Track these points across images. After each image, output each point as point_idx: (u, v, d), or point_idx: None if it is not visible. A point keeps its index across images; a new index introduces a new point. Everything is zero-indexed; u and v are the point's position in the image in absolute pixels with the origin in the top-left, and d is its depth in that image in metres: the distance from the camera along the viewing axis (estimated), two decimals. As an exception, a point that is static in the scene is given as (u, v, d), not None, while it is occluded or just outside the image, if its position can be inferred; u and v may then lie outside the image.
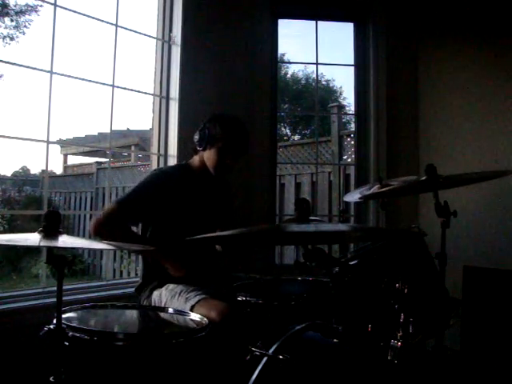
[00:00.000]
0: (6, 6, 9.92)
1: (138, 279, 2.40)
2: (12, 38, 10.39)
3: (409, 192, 2.58)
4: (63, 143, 11.48)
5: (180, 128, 2.92)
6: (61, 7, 2.54)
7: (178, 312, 1.79)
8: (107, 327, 1.66)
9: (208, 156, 2.23)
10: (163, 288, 2.10)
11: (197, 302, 1.94)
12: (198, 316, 1.69)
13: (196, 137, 2.24)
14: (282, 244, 3.33)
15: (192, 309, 1.92)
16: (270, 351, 1.38)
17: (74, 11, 2.62)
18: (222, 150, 2.19)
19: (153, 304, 2.08)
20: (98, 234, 2.09)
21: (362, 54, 3.51)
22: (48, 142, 2.51)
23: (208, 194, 2.30)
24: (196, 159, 2.31)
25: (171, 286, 2.09)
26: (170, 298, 2.04)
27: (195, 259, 2.16)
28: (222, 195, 2.41)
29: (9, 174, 12.52)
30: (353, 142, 5.31)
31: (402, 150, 3.44)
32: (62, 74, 2.57)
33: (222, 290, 2.07)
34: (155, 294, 2.11)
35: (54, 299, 1.36)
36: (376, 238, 1.64)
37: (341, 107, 8.52)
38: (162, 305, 2.04)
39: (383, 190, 2.01)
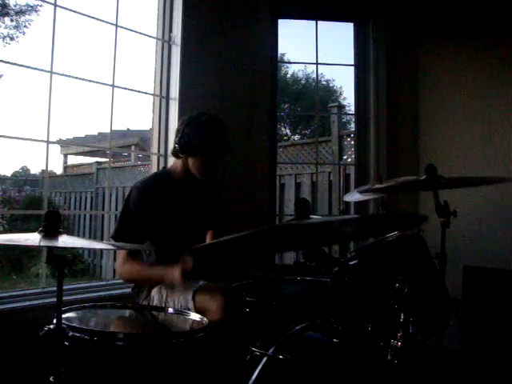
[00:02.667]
0: (5, 6, 9.92)
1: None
2: (12, 38, 10.39)
3: (408, 189, 2.57)
4: (63, 143, 11.49)
5: (180, 128, 2.92)
6: (61, 7, 2.54)
7: (178, 312, 1.79)
8: (107, 327, 1.66)
9: (192, 163, 2.18)
10: (162, 284, 2.11)
11: (199, 287, 1.95)
12: (198, 316, 1.70)
13: (177, 145, 2.18)
14: (285, 250, 3.29)
15: (195, 294, 1.93)
16: (270, 351, 1.38)
17: (74, 11, 2.63)
18: (206, 157, 2.16)
19: (153, 301, 2.08)
20: (125, 278, 2.19)
21: (362, 54, 3.51)
22: (48, 142, 2.51)
23: (193, 197, 2.26)
24: (178, 164, 2.24)
25: None
26: (170, 291, 2.04)
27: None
28: (210, 196, 2.38)
29: (9, 173, 12.52)
30: (353, 142, 5.31)
31: (402, 150, 3.44)
32: (62, 74, 2.57)
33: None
34: (154, 291, 2.10)
35: (54, 299, 1.36)
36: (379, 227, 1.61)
37: (341, 107, 8.51)
38: (163, 299, 2.03)
39: (384, 185, 2.01)
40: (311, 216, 1.46)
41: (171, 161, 2.92)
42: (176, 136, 2.21)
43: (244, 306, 1.88)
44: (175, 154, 2.24)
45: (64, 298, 1.38)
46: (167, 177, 2.26)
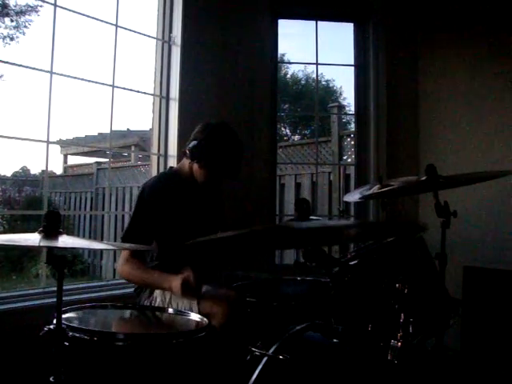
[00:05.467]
0: (6, 6, 9.92)
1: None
2: (12, 38, 10.39)
3: (409, 192, 2.58)
4: (63, 143, 11.46)
5: (180, 128, 2.91)
6: (61, 7, 2.54)
7: (178, 312, 1.79)
8: (107, 327, 1.66)
9: (196, 171, 2.18)
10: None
11: (203, 293, 1.94)
12: (199, 316, 1.70)
13: (190, 147, 2.15)
14: (285, 248, 3.28)
15: (198, 301, 1.92)
16: (270, 351, 1.38)
17: (74, 11, 2.63)
18: (214, 174, 2.16)
19: (155, 303, 2.08)
20: (124, 278, 2.18)
21: (362, 54, 3.51)
22: (48, 142, 2.51)
23: (201, 200, 2.27)
24: (186, 164, 2.23)
25: None
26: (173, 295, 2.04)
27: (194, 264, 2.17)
28: (214, 199, 2.39)
29: (9, 174, 12.50)
30: (353, 142, 5.31)
31: (402, 149, 3.44)
32: (62, 74, 2.57)
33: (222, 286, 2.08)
34: (157, 292, 2.10)
35: (54, 299, 1.36)
36: (379, 234, 1.62)
37: (341, 107, 8.51)
38: (166, 302, 2.03)
39: (383, 190, 2.01)
40: (311, 217, 1.46)
41: (171, 161, 2.93)
42: (191, 139, 2.18)
43: (244, 307, 1.88)
44: (185, 152, 2.22)
45: (64, 298, 1.38)
46: (175, 177, 2.27)
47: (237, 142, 2.18)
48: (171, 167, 2.49)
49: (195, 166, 2.18)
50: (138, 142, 9.78)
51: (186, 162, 2.25)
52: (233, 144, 2.16)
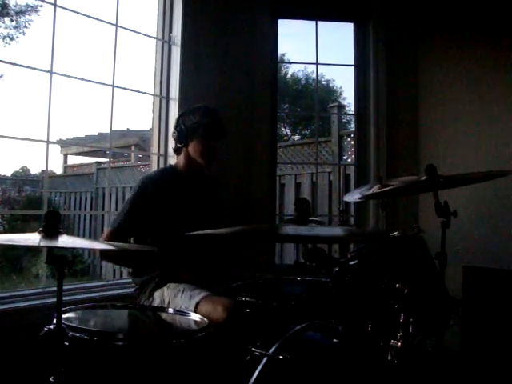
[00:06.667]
0: (6, 6, 9.92)
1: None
2: (12, 38, 10.38)
3: (409, 192, 2.58)
4: (63, 143, 11.48)
5: (180, 128, 2.91)
6: (61, 7, 2.54)
7: (179, 312, 1.79)
8: (107, 327, 1.66)
9: (192, 148, 2.26)
10: (164, 287, 2.11)
11: (202, 299, 1.95)
12: (199, 316, 1.70)
13: (174, 135, 2.30)
14: (279, 241, 3.28)
15: (197, 306, 1.93)
16: (270, 351, 1.38)
17: (74, 11, 2.63)
18: (204, 136, 2.23)
19: (155, 304, 2.08)
20: (106, 258, 2.30)
21: (362, 54, 3.51)
22: (48, 142, 2.51)
23: (198, 193, 2.32)
24: (180, 159, 2.33)
25: (172, 285, 2.10)
26: (172, 297, 2.04)
27: (194, 258, 2.17)
28: (212, 193, 2.42)
29: (9, 173, 12.49)
30: (353, 142, 5.31)
31: (402, 149, 3.44)
32: (62, 74, 2.57)
33: (221, 289, 2.08)
34: (156, 294, 2.11)
35: (54, 299, 1.36)
36: (373, 241, 1.63)
37: (341, 107, 8.49)
38: (165, 304, 2.04)
39: (383, 190, 2.01)
40: (311, 217, 1.46)
41: (171, 161, 2.92)
42: (174, 130, 2.33)
43: (244, 307, 1.87)
44: (176, 149, 2.34)
45: (64, 298, 1.38)
46: (173, 171, 2.34)
47: (207, 105, 2.34)
48: (170, 164, 2.54)
49: (190, 150, 2.27)
50: (138, 141, 9.78)
51: (180, 158, 2.34)
52: (203, 107, 2.31)
